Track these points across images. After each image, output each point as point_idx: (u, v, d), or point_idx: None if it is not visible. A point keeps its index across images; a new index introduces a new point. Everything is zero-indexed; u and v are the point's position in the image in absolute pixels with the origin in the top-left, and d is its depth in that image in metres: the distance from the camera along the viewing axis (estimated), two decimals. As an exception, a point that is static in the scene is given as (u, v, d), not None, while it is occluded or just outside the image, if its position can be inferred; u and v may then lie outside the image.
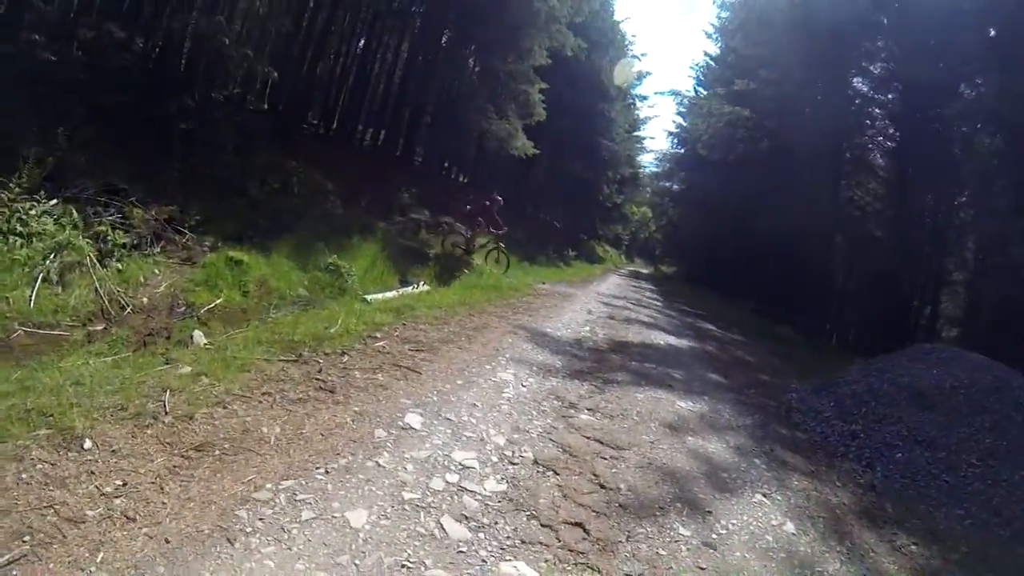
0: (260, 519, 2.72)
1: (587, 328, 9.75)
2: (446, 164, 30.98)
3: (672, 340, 11.23)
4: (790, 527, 4.05)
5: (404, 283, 11.64)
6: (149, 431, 3.30)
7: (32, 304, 6.53)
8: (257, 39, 18.56)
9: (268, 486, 2.97)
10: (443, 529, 2.97)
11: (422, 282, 11.76)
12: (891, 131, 25.56)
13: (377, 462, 3.41)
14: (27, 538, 2.38)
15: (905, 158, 23.67)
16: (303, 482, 3.06)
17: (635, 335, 10.48)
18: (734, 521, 3.90)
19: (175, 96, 12.77)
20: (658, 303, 19.85)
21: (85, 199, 8.54)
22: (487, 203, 15.99)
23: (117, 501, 2.68)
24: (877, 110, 25.83)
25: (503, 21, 20.41)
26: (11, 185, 7.37)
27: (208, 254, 9.49)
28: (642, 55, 64.06)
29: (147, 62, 14.73)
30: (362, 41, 24.48)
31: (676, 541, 3.46)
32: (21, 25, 12.02)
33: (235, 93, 18.50)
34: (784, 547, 3.75)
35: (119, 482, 2.82)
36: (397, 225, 16.69)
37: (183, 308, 7.94)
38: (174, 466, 3.04)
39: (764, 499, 4.42)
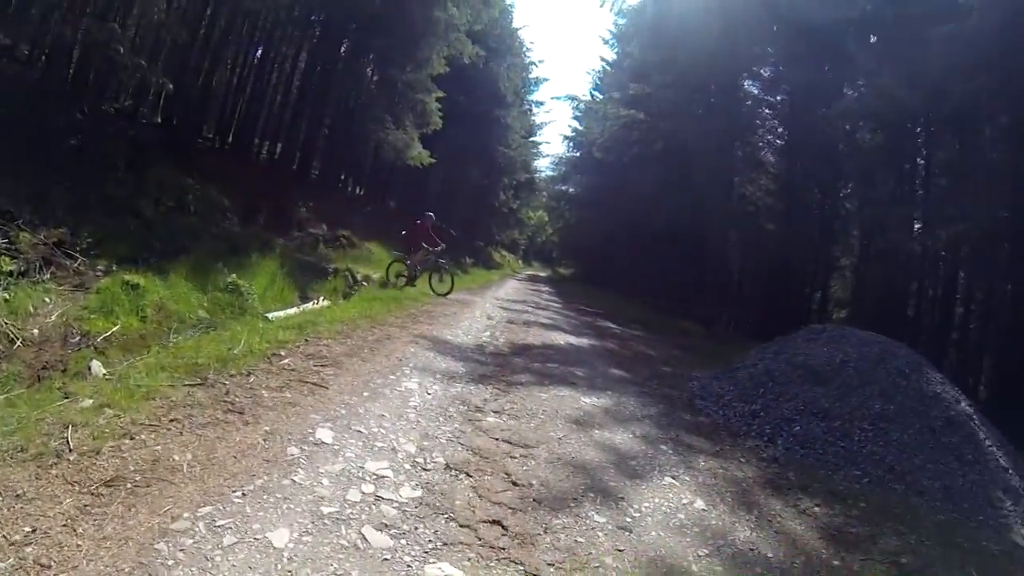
0: (181, 550, 2.66)
1: (487, 333, 9.88)
2: (343, 176, 30.60)
3: (572, 340, 11.49)
4: (700, 503, 4.33)
5: (304, 299, 11.60)
6: (54, 471, 3.13)
7: (-94, 343, 6.19)
8: (151, 48, 17.68)
9: (185, 515, 2.91)
10: (365, 539, 3.02)
11: (322, 297, 11.69)
12: (780, 130, 26.81)
13: (293, 479, 3.42)
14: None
15: (793, 155, 24.91)
16: (221, 507, 3.02)
17: (535, 337, 10.66)
18: (646, 504, 4.14)
19: (64, 109, 12.24)
20: (557, 304, 20.13)
21: (-37, 224, 8.11)
22: (418, 222, 15.52)
23: (28, 549, 2.52)
24: (767, 111, 27.05)
25: (403, 30, 20.45)
26: None
27: (102, 279, 9.15)
28: (540, 61, 65.11)
29: (33, 72, 14.02)
30: (260, 51, 23.88)
31: (592, 528, 3.63)
32: None
33: (127, 105, 17.82)
34: (696, 522, 4.02)
35: (28, 528, 2.65)
36: (295, 241, 16.52)
37: (78, 338, 7.65)
38: (85, 505, 2.89)
39: (673, 481, 4.68)
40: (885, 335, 8.62)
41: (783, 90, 25.75)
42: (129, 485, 3.12)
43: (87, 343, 7.48)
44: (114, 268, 9.60)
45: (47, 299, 8.16)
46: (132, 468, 3.28)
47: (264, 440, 3.88)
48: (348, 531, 3.06)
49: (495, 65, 32.63)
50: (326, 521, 3.10)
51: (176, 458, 3.46)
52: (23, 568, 2.43)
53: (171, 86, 14.19)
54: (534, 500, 3.84)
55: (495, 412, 5.52)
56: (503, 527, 3.42)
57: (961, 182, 16.68)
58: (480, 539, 3.25)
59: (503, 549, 3.21)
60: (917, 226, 18.74)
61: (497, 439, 4.81)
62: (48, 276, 8.64)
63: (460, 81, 27.06)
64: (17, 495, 2.88)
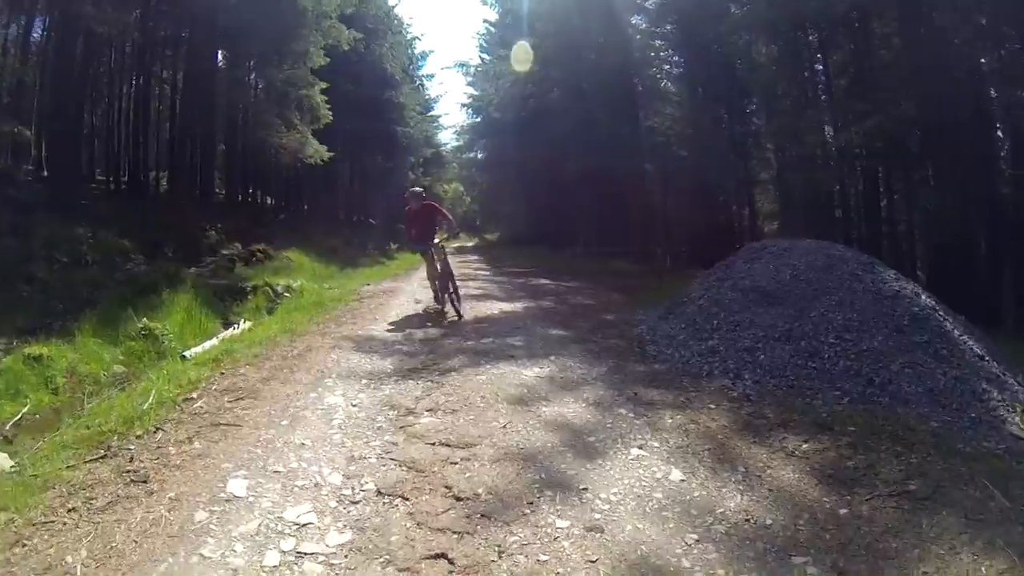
0: None
1: (416, 319, 9.53)
2: (250, 190, 29.84)
3: (505, 306, 11.32)
4: (677, 474, 3.96)
5: (228, 324, 11.12)
6: None
7: None
8: (18, 103, 16.99)
9: None
10: None
11: (243, 319, 11.22)
12: (676, 58, 27.08)
13: (201, 554, 3.00)
14: None
15: (693, 80, 25.28)
16: None
17: (466, 311, 10.29)
18: (615, 490, 3.74)
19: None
20: (486, 272, 20.07)
21: None
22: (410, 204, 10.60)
23: None
24: (659, 42, 27.19)
25: (276, 27, 19.79)
26: None
27: (2, 359, 8.45)
28: (421, 36, 64.36)
29: None
30: (135, 79, 22.90)
31: (556, 538, 3.20)
32: None
33: (7, 166, 16.91)
34: (677, 499, 3.64)
35: None
36: (208, 267, 15.87)
37: None
38: None
39: (641, 451, 4.31)
40: (817, 240, 8.56)
41: (672, 19, 25.73)
42: None
43: (-5, 433, 6.92)
44: (14, 344, 8.93)
45: None
46: None
47: (169, 511, 3.44)
48: (267, 608, 2.64)
49: (376, 47, 31.95)
50: None
51: (69, 559, 3.01)
52: None
53: (49, 138, 13.39)
54: (482, 515, 3.41)
55: (428, 411, 5.18)
56: (449, 560, 3.00)
57: (861, 81, 16.94)
58: (424, 582, 2.87)
59: (452, 588, 2.84)
60: (826, 129, 18.92)
61: (433, 443, 4.45)
62: (-62, 373, 7.97)
63: (344, 69, 26.51)
64: None
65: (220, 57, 22.85)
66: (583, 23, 25.47)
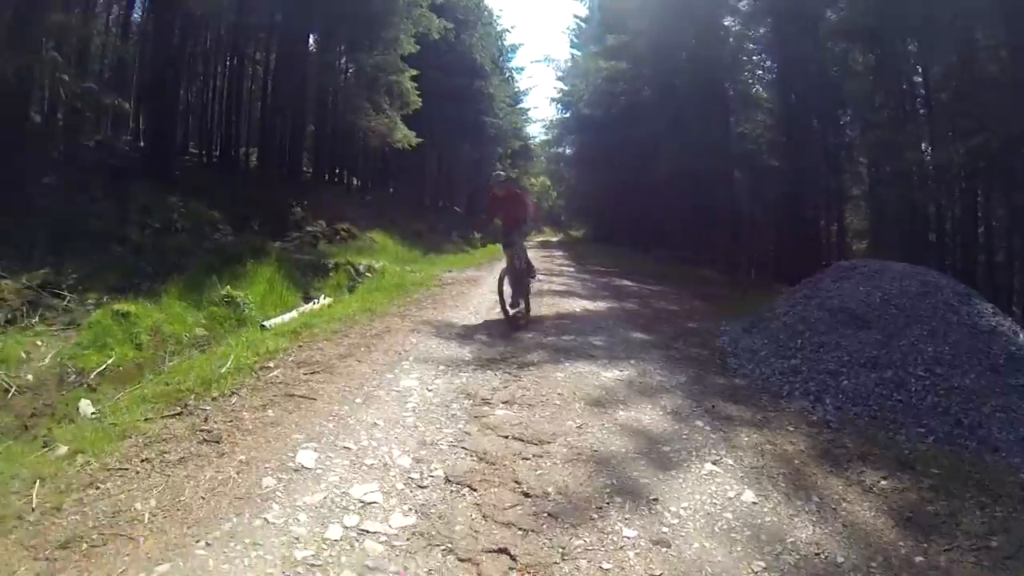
0: None
1: (497, 309, 9.29)
2: (337, 170, 30.44)
3: (589, 305, 11.09)
4: (749, 496, 3.73)
5: (308, 299, 11.28)
6: (13, 536, 2.84)
7: None
8: (120, 78, 17.83)
9: None
10: None
11: (323, 295, 11.38)
12: (768, 63, 26.15)
13: (265, 519, 3.03)
14: None
15: (786, 87, 24.19)
16: (181, 563, 2.66)
17: (549, 307, 10.28)
18: (685, 504, 3.55)
19: (37, 151, 12.04)
20: (570, 268, 19.85)
21: (-60, 282, 7.90)
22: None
23: None
24: (751, 45, 26.23)
25: (367, 13, 20.16)
26: None
27: (93, 313, 8.83)
28: (511, 28, 64.61)
29: None
30: (229, 60, 23.76)
31: (621, 547, 3.07)
32: None
33: (107, 137, 17.83)
34: (747, 522, 3.42)
35: None
36: (293, 242, 16.24)
37: (73, 376, 7.36)
38: (37, 574, 2.59)
39: (715, 467, 4.11)
40: (910, 263, 8.14)
41: (765, 22, 24.95)
42: (85, 546, 2.80)
43: (81, 381, 7.21)
44: (104, 300, 9.31)
45: (39, 342, 7.89)
46: (91, 524, 2.96)
47: (237, 473, 3.51)
48: (323, 580, 2.64)
49: (466, 37, 32.23)
50: (299, 569, 2.68)
51: (138, 507, 3.12)
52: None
53: (146, 110, 13.99)
54: (549, 515, 3.31)
55: (504, 403, 5.10)
56: (511, 556, 2.92)
57: (965, 96, 16.09)
58: (482, 576, 2.82)
59: (510, 587, 2.76)
60: (924, 145, 18.10)
61: (507, 436, 4.37)
62: (36, 319, 8.40)
63: (434, 58, 26.86)
64: (-30, 567, 2.58)
65: (311, 41, 23.29)
66: (675, 21, 24.86)
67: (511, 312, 8.80)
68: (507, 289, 8.90)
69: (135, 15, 21.13)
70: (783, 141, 24.55)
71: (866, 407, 5.55)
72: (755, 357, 7.28)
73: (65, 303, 9.01)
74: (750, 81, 26.91)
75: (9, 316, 8.12)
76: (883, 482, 4.12)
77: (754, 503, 3.64)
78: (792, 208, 23.21)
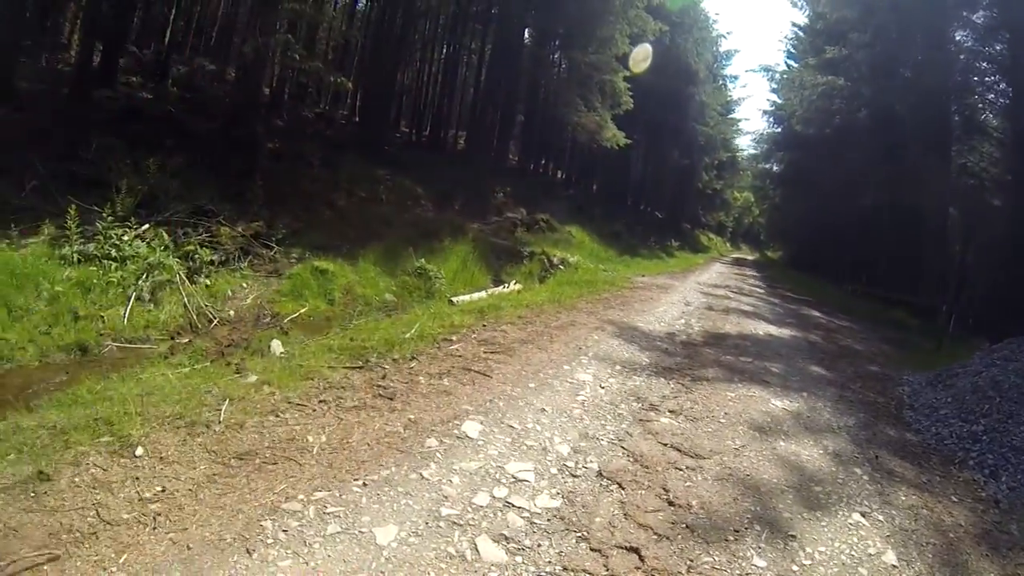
0: (284, 530, 2.57)
1: (682, 320, 9.23)
2: (543, 162, 31.00)
3: (772, 330, 10.62)
4: (891, 557, 3.37)
5: (497, 283, 11.58)
6: (199, 439, 3.31)
7: (125, 321, 6.87)
8: (340, 58, 19.35)
9: (300, 497, 2.83)
10: (476, 551, 2.66)
11: (514, 281, 11.62)
12: (1002, 86, 23.27)
13: (421, 474, 3.18)
14: (64, 536, 2.45)
15: (1020, 115, 21.70)
16: (336, 494, 2.88)
17: (733, 326, 9.95)
18: (822, 548, 3.30)
19: (263, 118, 13.21)
20: (760, 290, 19.12)
21: (175, 222, 8.95)
22: None
23: (153, 506, 2.69)
24: (985, 64, 23.31)
25: (583, 11, 20.36)
26: (104, 214, 7.73)
27: (295, 265, 9.71)
28: (728, 33, 62.84)
29: (237, 90, 15.35)
30: (446, 48, 24.87)
31: (748, 574, 2.91)
32: (117, 70, 12.95)
33: (325, 110, 19.25)
34: None
35: (159, 488, 2.83)
36: (492, 225, 16.70)
37: (268, 319, 8.22)
38: (214, 474, 3.00)
39: (862, 519, 3.74)
40: None
41: (1002, 38, 22.00)
42: (258, 460, 3.17)
43: (275, 323, 7.95)
44: (306, 256, 10.12)
45: (244, 284, 8.81)
46: (266, 444, 3.34)
47: (404, 429, 3.70)
48: (461, 538, 2.73)
49: (681, 40, 31.76)
50: (441, 524, 2.80)
51: (310, 438, 3.42)
52: (142, 522, 2.60)
53: (363, 89, 15.05)
54: (687, 526, 3.20)
55: (671, 412, 4.98)
56: (640, 557, 2.85)
57: None
58: (608, 569, 2.72)
59: (629, 587, 2.71)
60: None
61: (666, 444, 4.26)
62: (245, 264, 9.29)
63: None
64: (161, 457, 3.11)
65: (526, 35, 23.76)
66: (901, 35, 22.98)
67: None
68: None
69: (359, 3, 23.11)
70: (1011, 179, 22.07)
71: (1047, 495, 4.87)
72: (934, 414, 6.59)
73: (272, 253, 9.88)
74: (980, 106, 24.28)
75: (223, 258, 8.99)
76: (1044, 581, 3.62)
77: (894, 566, 3.30)
78: (1011, 257, 20.86)
